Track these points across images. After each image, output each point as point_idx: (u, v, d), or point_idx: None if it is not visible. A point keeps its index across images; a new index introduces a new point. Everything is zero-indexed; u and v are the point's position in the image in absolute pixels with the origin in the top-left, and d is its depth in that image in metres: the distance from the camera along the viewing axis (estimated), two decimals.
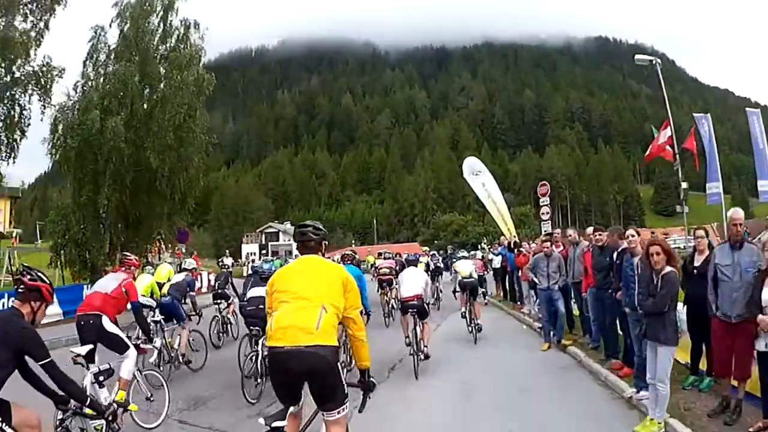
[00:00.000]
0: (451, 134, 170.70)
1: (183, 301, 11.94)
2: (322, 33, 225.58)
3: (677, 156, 21.31)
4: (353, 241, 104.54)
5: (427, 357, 10.48)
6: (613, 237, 9.41)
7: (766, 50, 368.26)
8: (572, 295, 12.93)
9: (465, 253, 22.02)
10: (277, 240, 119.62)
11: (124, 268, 8.71)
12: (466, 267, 14.54)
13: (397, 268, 19.69)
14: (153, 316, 10.60)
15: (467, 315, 14.01)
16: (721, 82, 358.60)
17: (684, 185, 21.58)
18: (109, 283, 8.11)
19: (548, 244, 12.45)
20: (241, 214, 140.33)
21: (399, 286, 12.23)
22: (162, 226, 25.85)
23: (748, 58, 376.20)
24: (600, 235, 10.13)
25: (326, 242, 5.11)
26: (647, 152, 21.89)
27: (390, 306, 18.17)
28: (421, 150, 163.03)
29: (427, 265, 24.73)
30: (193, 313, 12.54)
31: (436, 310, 19.40)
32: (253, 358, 8.88)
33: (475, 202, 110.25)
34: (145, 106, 23.46)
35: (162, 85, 23.67)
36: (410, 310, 10.56)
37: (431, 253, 33.96)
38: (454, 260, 22.48)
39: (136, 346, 7.73)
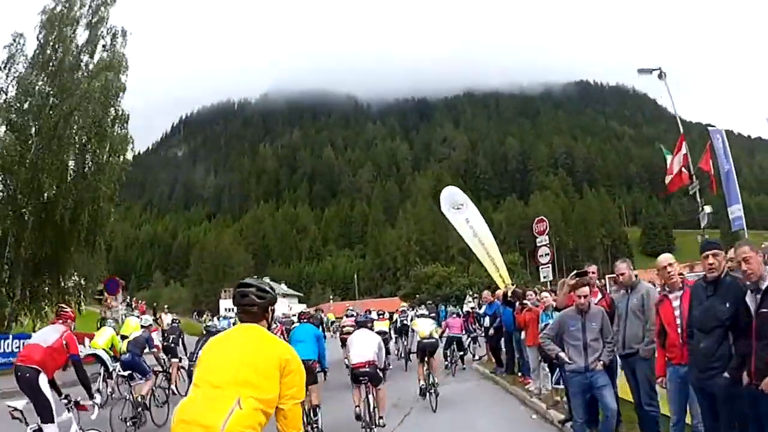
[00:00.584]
0: (434, 185, 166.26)
1: (141, 356, 11.66)
2: (304, 86, 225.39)
3: (693, 177, 17.70)
4: (331, 297, 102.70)
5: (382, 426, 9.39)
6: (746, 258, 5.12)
7: (742, 82, 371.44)
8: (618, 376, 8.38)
9: (425, 311, 18.11)
10: None
11: (61, 321, 8.52)
12: (425, 326, 13.31)
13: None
14: (118, 371, 11.27)
15: (423, 382, 12.07)
16: (703, 117, 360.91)
17: (708, 209, 17.42)
18: (49, 335, 8.01)
19: (585, 290, 7.46)
20: (221, 268, 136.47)
21: (348, 350, 10.14)
22: (68, 271, 22.55)
23: (727, 91, 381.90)
24: (715, 258, 5.63)
25: (273, 308, 3.88)
26: (668, 182, 18.35)
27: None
28: (404, 202, 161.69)
29: (394, 321, 24.40)
30: (160, 369, 12.83)
31: (403, 371, 18.15)
32: None
33: (460, 253, 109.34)
34: (53, 121, 20.15)
35: (74, 97, 20.35)
36: (361, 378, 9.26)
37: (401, 309, 31.22)
38: (412, 319, 20.36)
39: (76, 403, 7.51)
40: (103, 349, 13.99)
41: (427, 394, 11.94)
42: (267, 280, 73.99)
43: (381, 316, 20.70)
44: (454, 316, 19.32)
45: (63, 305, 9.51)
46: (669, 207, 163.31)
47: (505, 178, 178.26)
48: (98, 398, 8.44)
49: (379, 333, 11.78)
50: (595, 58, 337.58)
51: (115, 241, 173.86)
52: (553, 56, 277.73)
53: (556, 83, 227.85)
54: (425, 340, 12.74)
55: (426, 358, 12.36)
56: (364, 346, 9.53)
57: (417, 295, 61.09)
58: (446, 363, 17.23)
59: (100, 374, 13.59)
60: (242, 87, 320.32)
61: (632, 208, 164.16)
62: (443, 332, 17.10)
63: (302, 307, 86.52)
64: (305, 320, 11.60)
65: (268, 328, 3.78)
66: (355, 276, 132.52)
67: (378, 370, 9.50)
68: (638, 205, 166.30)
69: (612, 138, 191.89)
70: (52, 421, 7.07)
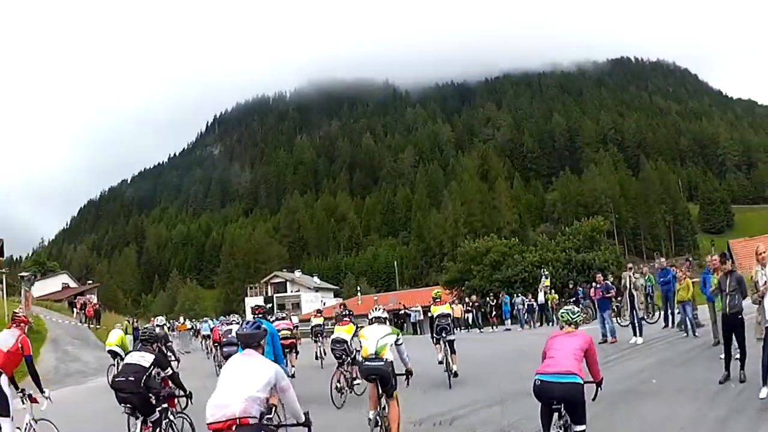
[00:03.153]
0: (480, 164, 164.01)
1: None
2: (339, 76, 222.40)
3: None
4: (359, 289, 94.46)
5: None
6: None
7: None
8: None
9: (380, 313, 10.54)
10: (285, 291, 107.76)
11: (15, 325, 9.66)
12: (372, 338, 8.58)
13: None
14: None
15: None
16: (744, 93, 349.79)
17: None
18: (7, 340, 9.09)
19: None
20: (253, 265, 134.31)
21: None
22: None
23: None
24: None
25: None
26: None
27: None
28: (448, 184, 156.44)
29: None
30: (172, 358, 15.09)
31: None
32: None
33: (513, 234, 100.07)
34: None
35: None
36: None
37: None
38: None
39: (29, 396, 8.77)
40: (117, 345, 18.11)
41: None
42: (298, 274, 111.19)
43: (344, 319, 15.25)
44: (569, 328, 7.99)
45: (16, 311, 10.77)
46: (724, 181, 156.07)
47: (553, 157, 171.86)
48: (47, 392, 9.30)
49: (337, 341, 13.27)
50: (633, 34, 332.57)
51: (146, 243, 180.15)
52: (591, 34, 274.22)
53: (597, 61, 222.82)
54: (368, 362, 8.39)
55: (380, 393, 8.37)
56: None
57: (466, 281, 46.21)
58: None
59: (113, 365, 17.30)
60: (276, 82, 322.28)
61: (687, 184, 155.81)
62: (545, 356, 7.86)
63: (336, 301, 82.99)
64: (259, 315, 11.48)
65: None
66: (395, 264, 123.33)
67: None
68: (693, 180, 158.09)
69: (657, 113, 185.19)
70: (8, 415, 8.36)
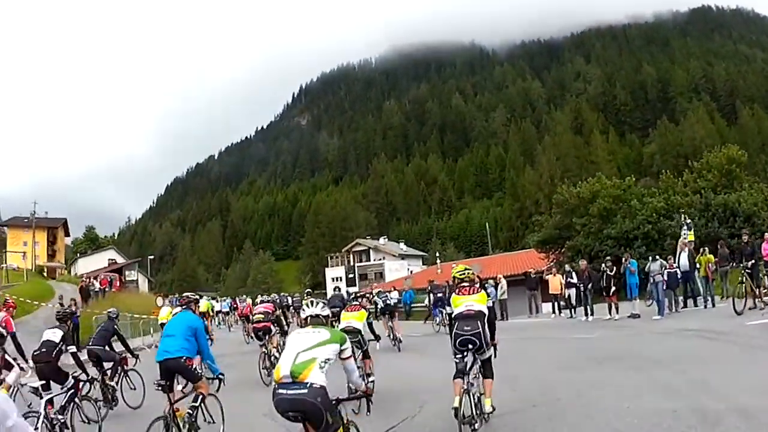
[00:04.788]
0: (573, 118, 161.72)
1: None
2: (423, 40, 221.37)
3: None
4: (438, 255, 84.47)
5: None
6: None
7: None
8: None
9: (320, 310, 6.63)
10: (368, 260, 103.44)
11: (5, 309, 13.68)
12: (292, 348, 5.82)
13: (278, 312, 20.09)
14: None
15: None
16: None
17: None
18: None
19: None
20: (339, 233, 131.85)
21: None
22: None
23: None
24: None
25: None
26: None
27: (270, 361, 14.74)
28: (542, 141, 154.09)
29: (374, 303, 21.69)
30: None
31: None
32: None
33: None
34: None
35: None
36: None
37: (378, 291, 24.63)
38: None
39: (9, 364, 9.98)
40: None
41: None
42: (382, 241, 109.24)
43: (354, 303, 13.01)
44: None
45: (6, 297, 13.55)
46: None
47: (646, 109, 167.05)
48: (30, 363, 10.75)
49: (347, 332, 9.68)
50: None
51: (230, 216, 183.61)
52: None
53: (679, 11, 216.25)
54: (282, 390, 5.53)
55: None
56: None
57: (567, 240, 34.43)
58: None
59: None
60: (358, 50, 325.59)
61: None
62: None
63: (420, 269, 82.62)
64: (185, 306, 9.79)
65: None
66: (487, 226, 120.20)
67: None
68: None
69: (744, 61, 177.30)
70: None
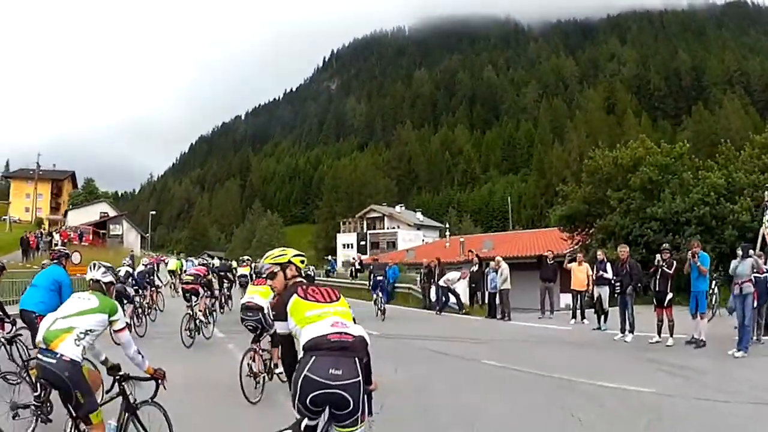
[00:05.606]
0: (606, 98, 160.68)
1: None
2: (458, 11, 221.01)
3: None
4: (447, 227, 79.65)
5: None
6: None
7: None
8: None
9: (101, 275, 5.94)
10: (382, 227, 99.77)
11: None
12: (52, 315, 5.55)
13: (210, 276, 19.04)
14: None
15: None
16: None
17: None
18: None
19: None
20: (357, 198, 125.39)
21: None
22: None
23: None
24: None
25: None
26: None
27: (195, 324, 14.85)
28: (573, 119, 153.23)
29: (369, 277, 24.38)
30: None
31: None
32: None
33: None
34: None
35: None
36: None
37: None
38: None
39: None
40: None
41: None
42: (398, 209, 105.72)
43: (260, 278, 10.35)
44: None
45: None
46: None
47: (680, 96, 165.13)
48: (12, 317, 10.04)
49: (248, 308, 9.79)
50: None
51: (250, 176, 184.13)
52: None
53: (715, 3, 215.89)
54: (40, 356, 5.17)
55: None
56: None
57: (598, 219, 27.27)
58: None
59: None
60: (392, 18, 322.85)
61: None
62: None
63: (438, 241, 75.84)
64: (55, 261, 10.21)
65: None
66: (509, 200, 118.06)
67: None
68: None
69: None
70: None
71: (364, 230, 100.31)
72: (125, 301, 15.18)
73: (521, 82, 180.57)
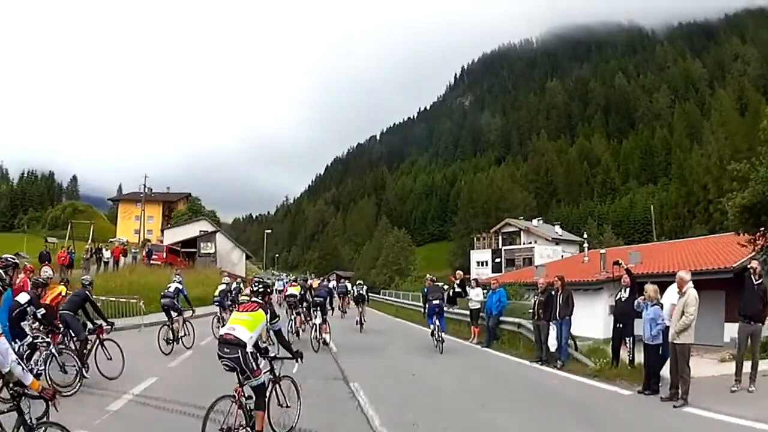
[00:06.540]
0: (737, 98, 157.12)
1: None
2: (581, 21, 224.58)
3: None
4: (585, 240, 72.70)
5: None
6: None
7: None
8: None
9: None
10: (519, 242, 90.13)
11: (24, 272, 13.58)
12: None
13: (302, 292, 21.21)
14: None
15: None
16: None
17: None
18: None
19: None
20: (493, 213, 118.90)
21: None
22: None
23: None
24: None
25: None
26: None
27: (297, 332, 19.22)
28: (708, 122, 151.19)
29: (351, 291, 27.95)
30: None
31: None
32: None
33: None
34: None
35: None
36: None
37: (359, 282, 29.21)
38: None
39: None
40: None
41: None
42: (536, 222, 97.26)
43: (251, 301, 8.97)
44: None
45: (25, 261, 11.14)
46: None
47: None
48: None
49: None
50: None
51: (385, 194, 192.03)
52: None
53: None
54: None
55: None
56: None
57: (763, 227, 16.95)
58: None
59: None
60: (517, 31, 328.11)
61: None
62: None
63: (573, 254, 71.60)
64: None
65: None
66: (651, 210, 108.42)
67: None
68: None
69: None
70: None
71: (499, 246, 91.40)
72: (174, 314, 16.78)
73: (653, 87, 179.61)
